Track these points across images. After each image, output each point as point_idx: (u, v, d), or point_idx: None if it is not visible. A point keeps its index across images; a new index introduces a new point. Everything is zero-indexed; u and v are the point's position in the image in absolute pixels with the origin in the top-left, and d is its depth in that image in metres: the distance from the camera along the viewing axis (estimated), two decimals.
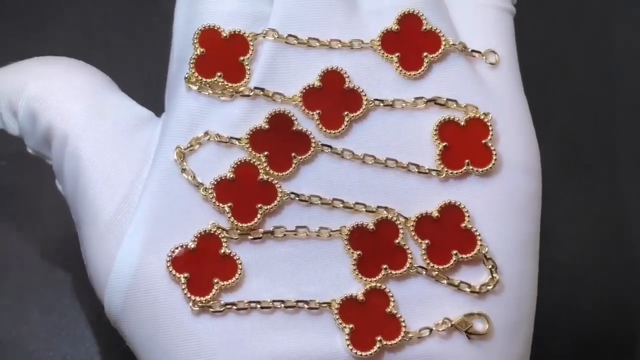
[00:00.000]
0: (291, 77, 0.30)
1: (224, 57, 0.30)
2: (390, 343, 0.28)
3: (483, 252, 0.29)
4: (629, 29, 0.45)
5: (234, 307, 0.28)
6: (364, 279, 0.29)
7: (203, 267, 0.29)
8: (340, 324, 0.28)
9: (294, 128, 0.30)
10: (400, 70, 0.31)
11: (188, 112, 0.30)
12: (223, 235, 0.29)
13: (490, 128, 0.30)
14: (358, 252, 0.29)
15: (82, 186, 0.30)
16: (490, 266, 0.29)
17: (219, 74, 0.30)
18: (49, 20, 0.43)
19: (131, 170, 0.30)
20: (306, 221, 0.29)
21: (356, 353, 0.28)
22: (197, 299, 0.28)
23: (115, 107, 0.31)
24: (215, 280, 0.28)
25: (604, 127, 0.43)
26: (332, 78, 0.30)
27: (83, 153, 0.30)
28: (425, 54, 0.31)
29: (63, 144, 0.30)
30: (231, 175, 0.29)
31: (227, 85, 0.30)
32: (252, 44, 0.30)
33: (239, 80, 0.30)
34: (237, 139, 0.30)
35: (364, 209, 0.29)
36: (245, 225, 0.29)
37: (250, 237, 0.29)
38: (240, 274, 0.29)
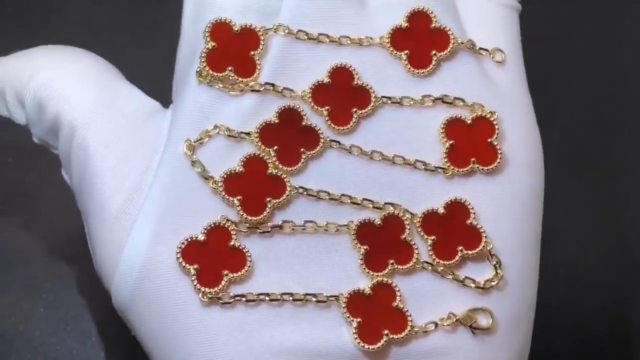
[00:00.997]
0: (301, 73, 0.31)
1: (235, 51, 0.30)
2: (397, 337, 0.29)
3: (488, 248, 0.30)
4: (634, 28, 0.46)
5: (243, 299, 0.29)
6: (371, 273, 0.29)
7: (212, 259, 0.29)
8: (348, 317, 0.29)
9: (304, 123, 0.30)
10: (409, 68, 0.31)
11: (198, 106, 0.30)
12: (232, 228, 0.29)
13: (497, 127, 0.31)
14: (365, 247, 0.29)
15: (89, 176, 0.30)
16: (494, 262, 0.30)
17: (229, 68, 0.30)
18: (53, 18, 0.43)
19: (140, 161, 0.30)
20: (314, 216, 0.30)
21: (364, 346, 0.28)
22: (207, 290, 0.28)
23: (124, 97, 0.31)
24: (225, 272, 0.29)
25: (607, 126, 0.43)
26: (341, 74, 0.31)
27: (91, 143, 0.30)
28: (434, 52, 0.31)
29: (71, 133, 0.30)
30: (240, 169, 0.29)
31: (237, 79, 0.30)
32: (262, 38, 0.30)
33: (250, 75, 0.30)
34: (246, 133, 0.30)
35: (371, 205, 0.30)
36: (255, 218, 0.29)
37: (259, 230, 0.29)
38: (249, 267, 0.29)
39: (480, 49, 0.32)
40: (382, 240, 0.29)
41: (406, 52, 0.31)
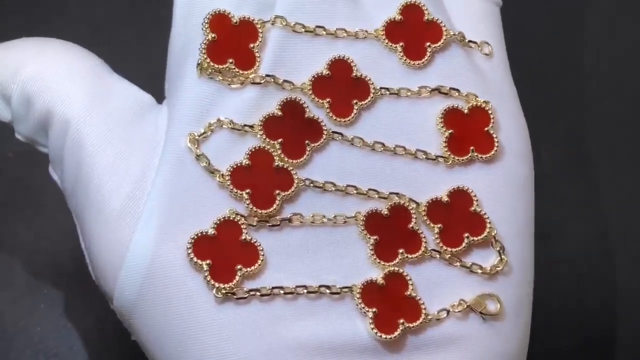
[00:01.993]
0: (298, 65, 0.30)
1: (234, 43, 0.30)
2: (412, 325, 0.28)
3: (492, 234, 0.30)
4: (635, 28, 0.46)
5: (258, 294, 0.28)
6: (382, 263, 0.29)
7: (225, 254, 0.28)
8: (363, 308, 0.28)
9: (306, 115, 0.30)
10: (405, 60, 0.31)
11: (199, 99, 0.29)
12: (242, 222, 0.28)
13: (492, 116, 0.31)
14: (375, 237, 0.29)
15: (86, 173, 0.29)
16: (498, 248, 0.30)
17: (230, 60, 0.30)
18: (54, 14, 0.42)
19: (139, 157, 0.29)
20: (320, 208, 0.29)
21: (381, 336, 0.28)
22: (221, 285, 0.28)
23: (117, 91, 0.30)
24: (238, 267, 0.28)
25: (607, 125, 0.44)
26: (340, 66, 0.31)
27: (87, 139, 0.29)
28: (428, 43, 0.31)
29: (64, 129, 0.29)
30: (247, 162, 0.29)
31: (238, 72, 0.30)
32: (260, 31, 0.30)
33: (250, 67, 0.30)
34: (250, 126, 0.29)
35: (377, 195, 0.30)
36: (265, 211, 0.29)
37: (268, 224, 0.29)
38: (262, 260, 0.28)
39: (470, 41, 0.32)
40: (390, 230, 0.29)
41: (401, 44, 0.31)
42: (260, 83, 0.30)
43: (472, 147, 0.31)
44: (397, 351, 0.28)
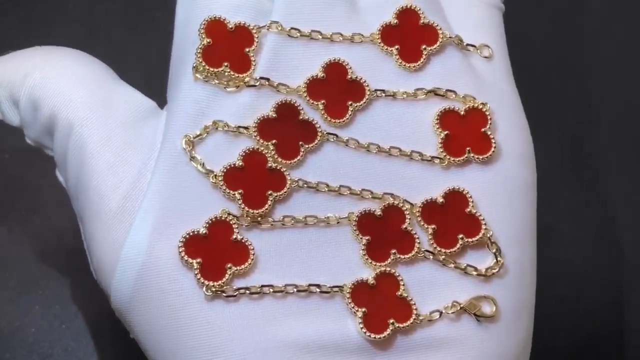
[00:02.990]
0: (295, 69, 0.31)
1: (230, 47, 0.30)
2: (402, 325, 0.28)
3: (488, 235, 0.30)
4: (635, 27, 0.46)
5: (247, 292, 0.28)
6: (374, 263, 0.29)
7: (215, 253, 0.28)
8: (353, 307, 0.28)
9: (301, 117, 0.30)
10: (400, 62, 0.31)
11: (195, 101, 0.30)
12: (234, 222, 0.29)
13: (489, 117, 0.31)
14: (367, 238, 0.29)
15: (86, 174, 0.30)
16: (494, 250, 0.30)
17: (225, 64, 0.30)
18: (52, 14, 0.43)
19: (138, 159, 0.30)
20: (314, 208, 0.30)
21: (370, 336, 0.28)
22: (210, 283, 0.28)
23: (120, 96, 0.31)
24: (228, 266, 0.28)
25: (605, 126, 0.44)
26: (335, 69, 0.31)
27: (88, 141, 0.30)
28: (423, 46, 0.32)
29: (67, 132, 0.30)
30: (240, 163, 0.29)
31: (233, 75, 0.30)
32: (256, 36, 0.31)
33: (245, 71, 0.30)
34: (245, 127, 0.30)
35: (370, 196, 0.30)
36: (256, 211, 0.29)
37: (260, 224, 0.29)
38: (252, 260, 0.29)
39: (468, 45, 0.32)
40: (383, 231, 0.30)
41: (397, 47, 0.32)
42: (255, 86, 0.30)
43: (468, 148, 0.31)
44: (387, 351, 0.28)
